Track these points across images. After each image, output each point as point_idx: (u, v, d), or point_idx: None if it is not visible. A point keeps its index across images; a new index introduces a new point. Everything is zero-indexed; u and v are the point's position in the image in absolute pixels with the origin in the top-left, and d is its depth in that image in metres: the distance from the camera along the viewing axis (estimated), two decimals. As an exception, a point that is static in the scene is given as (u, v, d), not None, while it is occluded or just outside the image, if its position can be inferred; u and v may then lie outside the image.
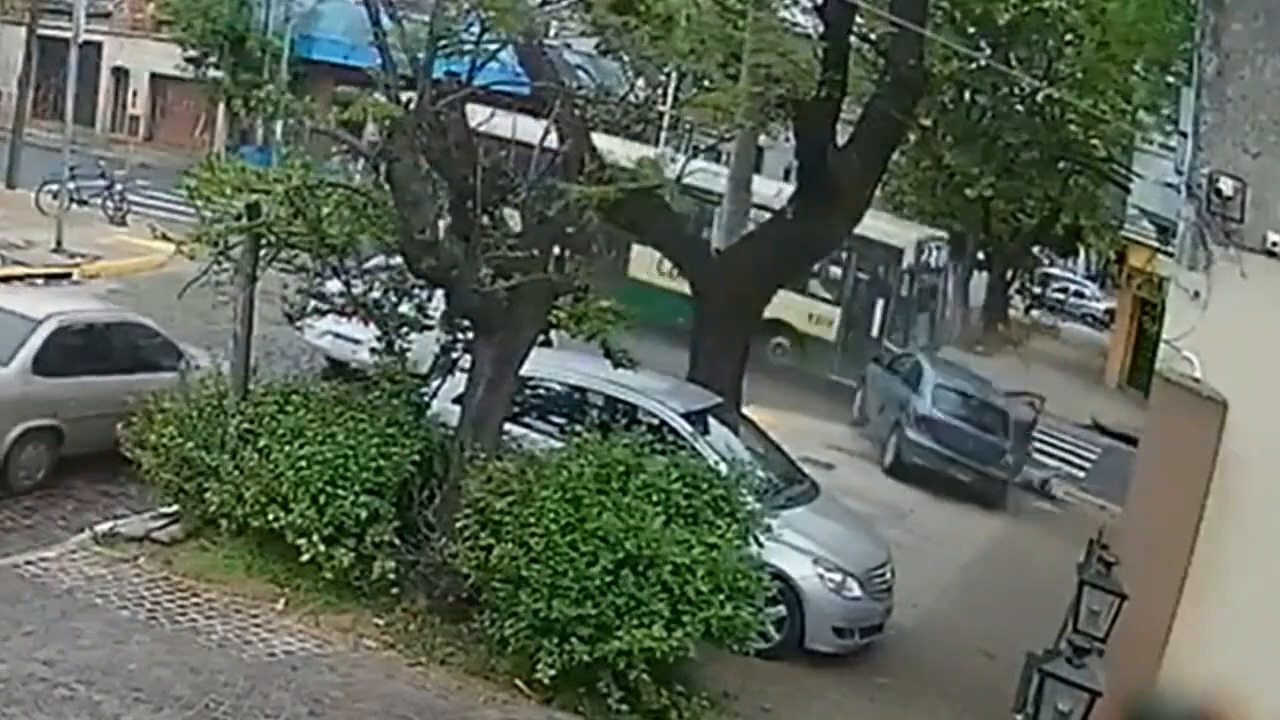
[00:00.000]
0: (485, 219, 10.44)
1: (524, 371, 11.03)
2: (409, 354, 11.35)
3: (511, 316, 10.45)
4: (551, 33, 12.64)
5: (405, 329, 11.34)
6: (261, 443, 10.36)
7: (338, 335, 15.40)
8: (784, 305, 23.79)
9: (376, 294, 11.37)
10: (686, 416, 12.25)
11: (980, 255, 36.60)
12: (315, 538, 9.92)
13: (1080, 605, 7.23)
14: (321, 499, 9.98)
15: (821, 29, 14.58)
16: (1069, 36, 27.87)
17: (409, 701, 8.99)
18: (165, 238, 11.37)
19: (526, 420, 11.88)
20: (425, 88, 9.94)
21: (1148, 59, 24.35)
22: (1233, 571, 8.10)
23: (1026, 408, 21.53)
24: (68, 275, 20.72)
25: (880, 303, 24.40)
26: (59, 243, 21.71)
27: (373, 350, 11.49)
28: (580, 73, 14.52)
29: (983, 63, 26.10)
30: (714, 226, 20.33)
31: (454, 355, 11.21)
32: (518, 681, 9.51)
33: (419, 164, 10.10)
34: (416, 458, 10.31)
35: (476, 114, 10.75)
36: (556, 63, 13.24)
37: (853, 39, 15.66)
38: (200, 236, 10.65)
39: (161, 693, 8.19)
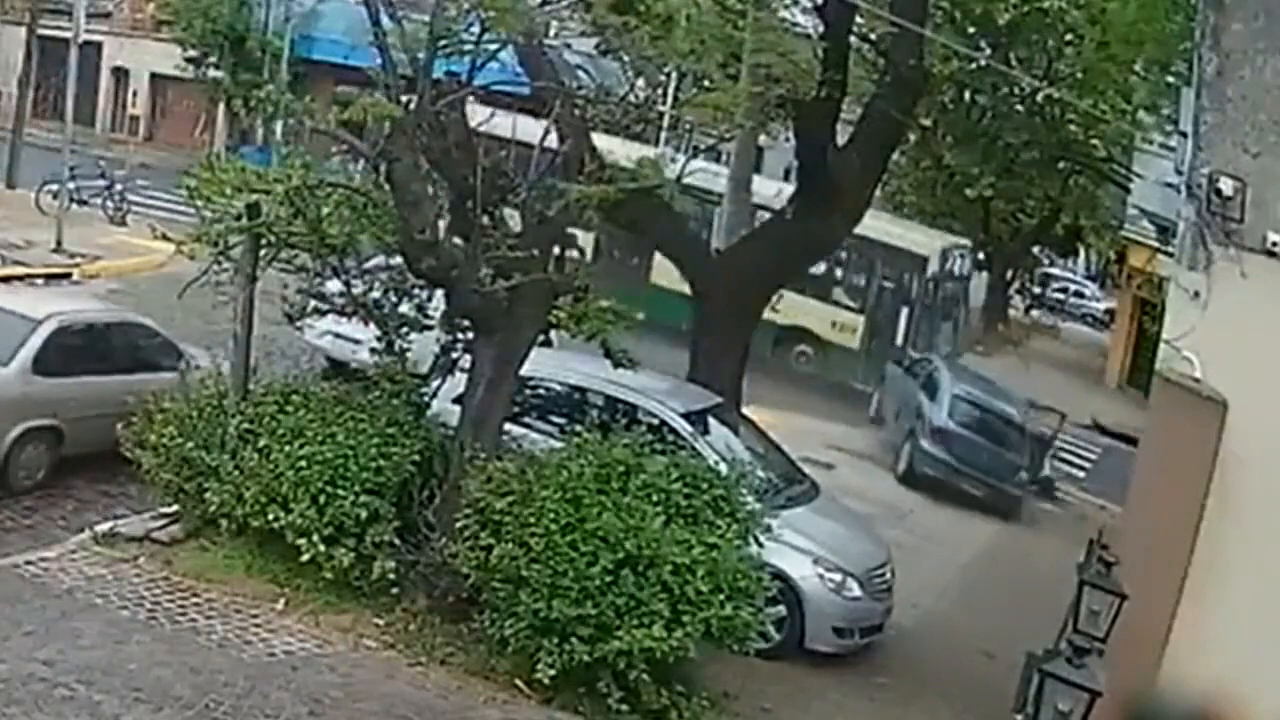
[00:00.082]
0: (485, 219, 10.44)
1: (524, 371, 11.03)
2: (409, 354, 11.35)
3: (511, 316, 10.45)
4: (551, 33, 12.65)
5: (405, 329, 11.34)
6: (261, 443, 10.37)
7: (338, 335, 15.40)
8: (808, 313, 23.96)
9: (376, 294, 11.38)
10: (686, 416, 12.25)
11: (980, 255, 36.59)
12: (315, 538, 9.93)
13: (1080, 605, 7.23)
14: (321, 499, 9.98)
15: (821, 29, 14.58)
16: (1069, 36, 27.88)
17: (409, 701, 8.99)
18: (165, 238, 11.36)
19: (526, 420, 11.88)
20: (425, 88, 9.94)
21: (1148, 59, 24.35)
22: (1233, 571, 8.10)
23: (1045, 421, 21.17)
24: (68, 275, 20.72)
25: (905, 311, 24.15)
26: (59, 243, 21.72)
27: (373, 350, 11.49)
28: (580, 73, 14.52)
29: (983, 63, 26.11)
30: (714, 226, 20.34)
31: (454, 355, 11.21)
32: (518, 681, 9.51)
33: (419, 164, 10.10)
34: (416, 458, 10.31)
35: (476, 114, 10.75)
36: (556, 63, 13.24)
37: (853, 39, 15.66)
38: (200, 236, 10.65)
39: (161, 693, 8.20)
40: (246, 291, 10.95)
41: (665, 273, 21.82)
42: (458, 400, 10.86)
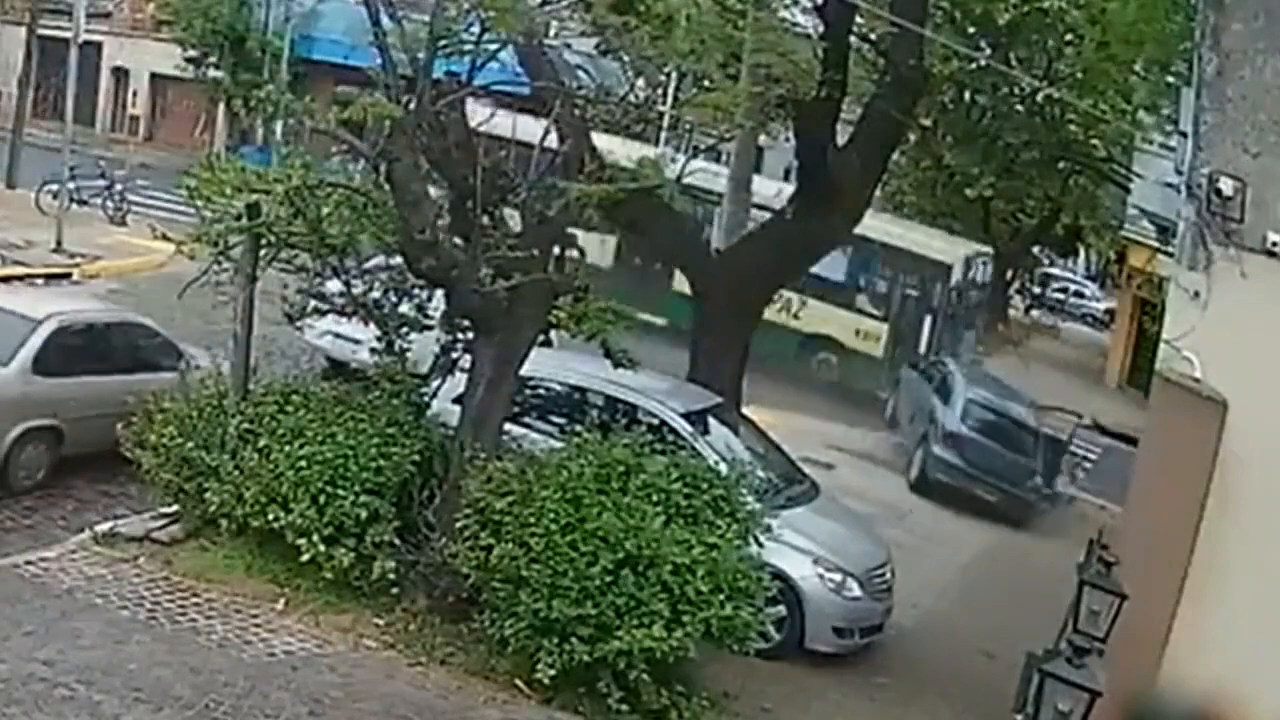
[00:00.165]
0: (485, 219, 10.44)
1: (524, 371, 11.03)
2: (409, 354, 11.35)
3: (511, 316, 10.45)
4: (551, 33, 12.64)
5: (405, 329, 11.34)
6: (261, 443, 10.37)
7: (338, 335, 15.40)
8: (831, 320, 23.97)
9: (376, 294, 11.38)
10: (686, 416, 12.26)
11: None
12: (315, 538, 9.93)
13: (1080, 605, 7.23)
14: (321, 499, 9.98)
15: (821, 29, 14.58)
16: (1069, 36, 27.88)
17: (409, 701, 8.99)
18: (165, 238, 11.36)
19: (526, 420, 11.88)
20: (425, 88, 9.94)
21: (1148, 59, 24.34)
22: (1233, 571, 8.10)
23: (1060, 424, 20.86)
24: (68, 275, 20.73)
25: (928, 319, 24.02)
26: (59, 243, 21.72)
27: (373, 350, 11.49)
28: (580, 73, 14.51)
29: (983, 63, 26.10)
30: (714, 226, 20.33)
31: (454, 355, 11.22)
32: (518, 681, 9.51)
33: (419, 164, 10.10)
34: (416, 458, 10.31)
35: (476, 114, 10.75)
36: (556, 63, 13.23)
37: (853, 39, 15.66)
38: (200, 236, 10.66)
39: (161, 693, 8.20)
40: (246, 291, 10.95)
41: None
42: (458, 400, 10.86)
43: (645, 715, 9.38)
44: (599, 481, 9.66)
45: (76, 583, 9.81)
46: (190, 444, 10.56)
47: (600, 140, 12.83)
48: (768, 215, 17.60)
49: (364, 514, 9.98)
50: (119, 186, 26.05)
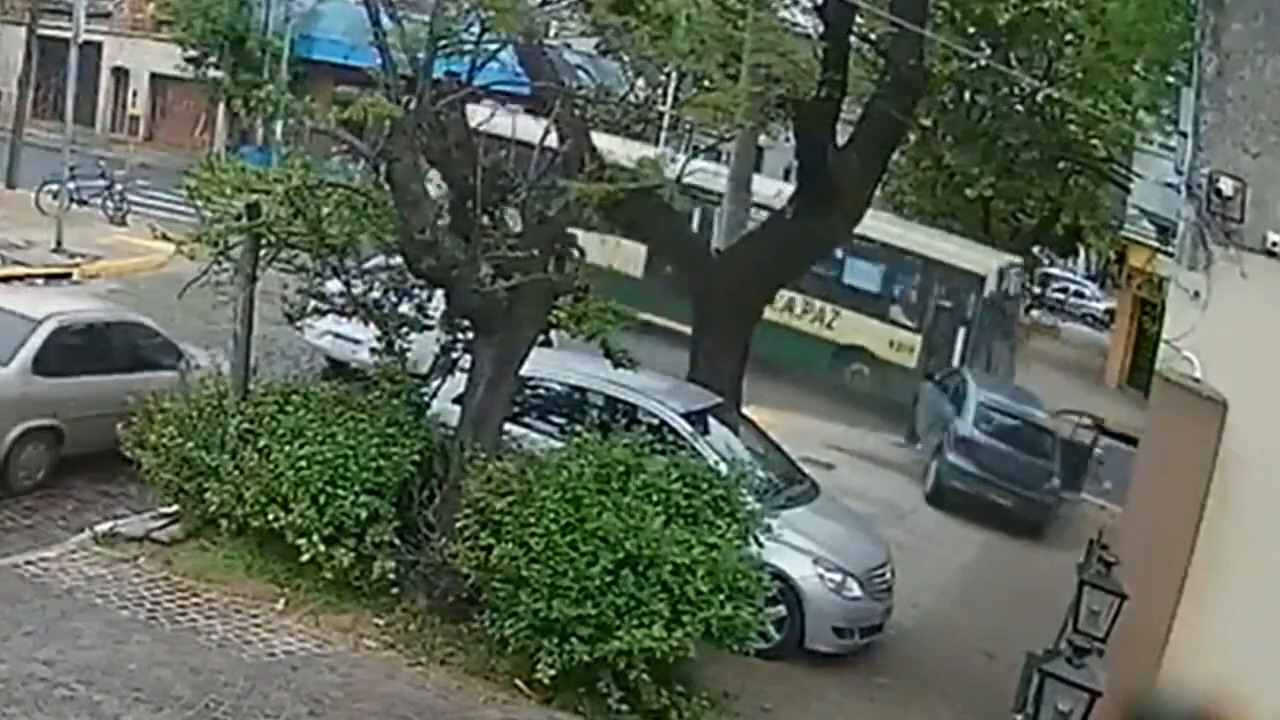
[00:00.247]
0: (485, 219, 10.44)
1: (524, 371, 11.03)
2: (409, 354, 11.35)
3: (511, 316, 10.45)
4: (551, 33, 12.64)
5: (405, 329, 11.34)
6: (261, 443, 10.37)
7: (338, 335, 15.40)
8: (864, 331, 23.97)
9: (376, 294, 11.38)
10: (686, 416, 12.25)
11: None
12: (315, 538, 9.93)
13: (1080, 605, 7.24)
14: (321, 499, 9.98)
15: (821, 29, 14.57)
16: (1069, 36, 27.83)
17: (409, 701, 8.99)
18: (165, 238, 11.37)
19: (526, 420, 11.88)
20: (425, 88, 9.94)
21: (1148, 59, 24.33)
22: (1233, 571, 8.10)
23: (1081, 429, 20.42)
24: (68, 275, 20.74)
25: (962, 330, 23.83)
26: (59, 243, 21.73)
27: (373, 350, 11.49)
28: (580, 73, 14.50)
29: (983, 63, 26.08)
30: (714, 226, 20.32)
31: (454, 355, 11.22)
32: (518, 681, 9.51)
33: (419, 164, 10.10)
34: (416, 458, 10.31)
35: (476, 114, 10.75)
36: (556, 63, 13.23)
37: (853, 39, 15.65)
38: (200, 236, 10.66)
39: (161, 693, 8.20)
40: (246, 291, 10.95)
41: None
42: (458, 400, 10.86)
43: (645, 715, 9.38)
44: (599, 481, 9.66)
45: (76, 583, 9.82)
46: (190, 444, 10.56)
47: (600, 140, 12.83)
48: (768, 215, 17.62)
49: (364, 514, 9.98)
50: (119, 186, 26.06)
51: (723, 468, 10.63)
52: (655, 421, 11.71)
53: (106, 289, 19.67)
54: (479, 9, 10.21)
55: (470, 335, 10.89)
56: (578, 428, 10.78)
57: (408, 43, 10.10)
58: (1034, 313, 44.76)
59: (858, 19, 16.10)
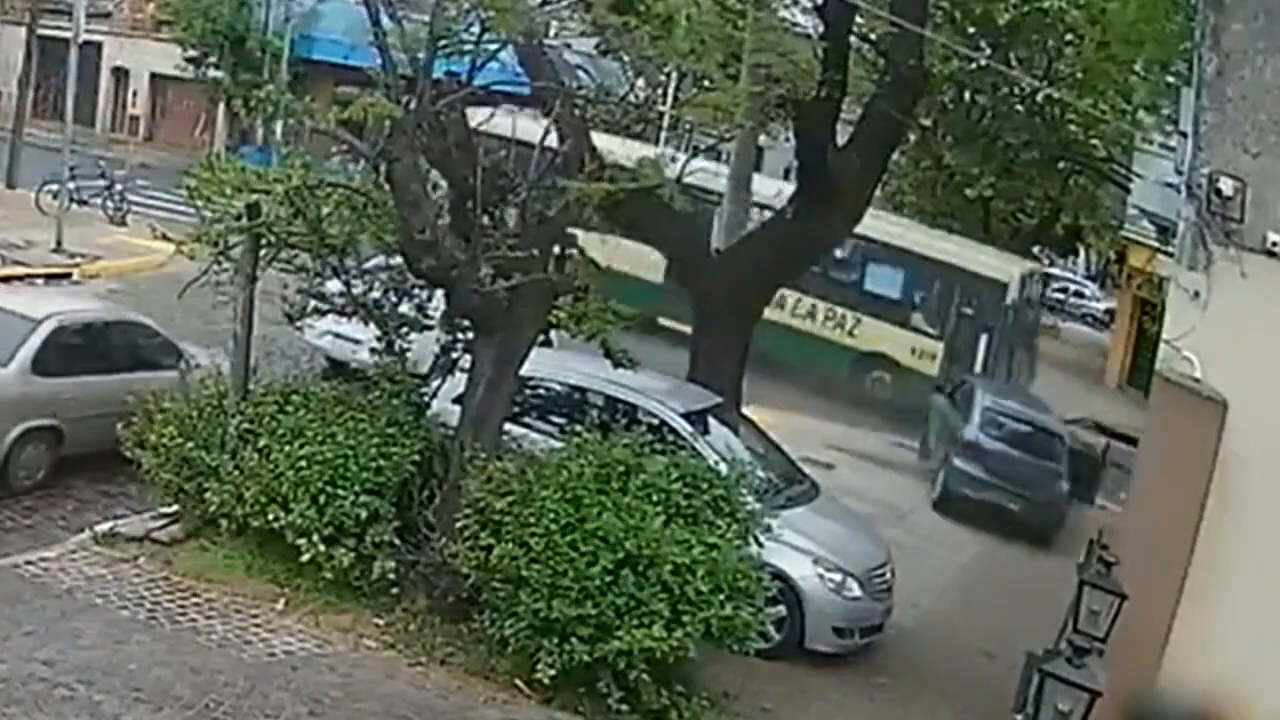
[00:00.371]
0: (485, 219, 10.44)
1: (524, 371, 11.03)
2: (409, 354, 11.34)
3: (511, 316, 10.45)
4: (551, 33, 12.64)
5: (405, 329, 11.34)
6: (261, 443, 10.37)
7: (338, 335, 15.40)
8: (885, 338, 23.96)
9: (376, 294, 11.38)
10: (686, 416, 12.25)
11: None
12: (315, 538, 9.93)
13: (1080, 605, 7.24)
14: (321, 499, 9.98)
15: (821, 29, 14.57)
16: (1069, 36, 27.82)
17: (409, 701, 8.99)
18: (165, 238, 11.37)
19: (526, 420, 11.88)
20: (425, 88, 9.94)
21: (1148, 59, 24.30)
22: (1233, 571, 8.10)
23: (1091, 436, 20.18)
24: (68, 275, 20.73)
25: (984, 337, 23.70)
26: (59, 243, 21.73)
27: (373, 350, 11.49)
28: (580, 73, 14.50)
29: (983, 63, 26.07)
30: (714, 226, 20.32)
31: (454, 355, 11.22)
32: (518, 681, 9.51)
33: (419, 164, 10.10)
34: (416, 458, 10.31)
35: (476, 114, 10.75)
36: (556, 63, 13.23)
37: (853, 39, 15.65)
38: (200, 236, 10.66)
39: (161, 693, 8.20)
40: (246, 291, 10.95)
41: None
42: (458, 400, 10.86)
43: (645, 715, 9.38)
44: (599, 481, 9.66)
45: (76, 583, 9.82)
46: (190, 444, 10.56)
47: (600, 140, 12.83)
48: (768, 214, 17.61)
49: (364, 514, 9.98)
50: (119, 186, 26.06)
51: (723, 468, 10.63)
52: (655, 421, 11.71)
53: (106, 289, 19.67)
54: (479, 9, 10.21)
55: (470, 335, 10.89)
56: (578, 428, 10.78)
57: (408, 43, 10.10)
58: (1034, 313, 44.80)
59: (858, 19, 16.09)
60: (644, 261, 18.09)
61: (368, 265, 11.55)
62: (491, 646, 9.65)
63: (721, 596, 9.28)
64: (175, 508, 10.88)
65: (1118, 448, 20.18)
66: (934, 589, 14.56)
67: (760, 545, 10.08)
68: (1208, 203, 8.36)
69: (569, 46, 13.43)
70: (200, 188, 10.62)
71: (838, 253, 23.98)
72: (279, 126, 22.03)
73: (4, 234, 21.47)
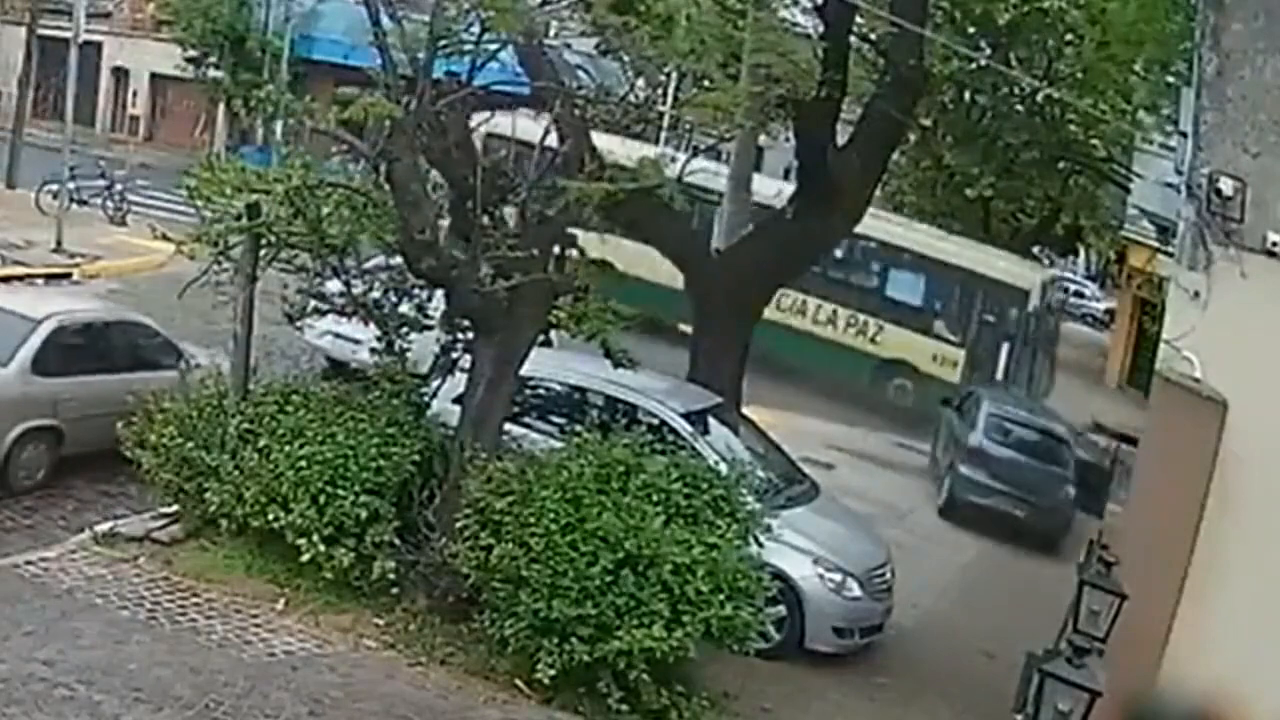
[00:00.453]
0: (485, 219, 10.44)
1: (524, 371, 11.03)
2: (409, 354, 11.35)
3: (511, 316, 10.45)
4: (551, 33, 12.63)
5: (405, 329, 11.34)
6: (261, 443, 10.37)
7: (338, 335, 15.41)
8: (907, 345, 23.95)
9: (376, 294, 11.38)
10: (686, 416, 12.25)
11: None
12: (315, 538, 9.93)
13: (1080, 605, 7.24)
14: (321, 499, 9.98)
15: (821, 29, 14.57)
16: (1069, 36, 27.83)
17: (409, 701, 8.99)
18: (165, 238, 11.36)
19: (526, 420, 11.88)
20: (425, 88, 9.94)
21: (1148, 59, 24.32)
22: (1233, 571, 8.10)
23: (1099, 443, 20.04)
24: (68, 275, 20.74)
25: (1005, 345, 23.66)
26: (59, 243, 21.73)
27: (373, 350, 11.49)
28: (580, 73, 14.50)
29: (983, 63, 26.07)
30: (714, 226, 20.30)
31: (454, 355, 11.22)
32: (518, 681, 9.51)
33: (419, 164, 10.10)
34: (416, 458, 10.31)
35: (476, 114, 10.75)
36: (556, 63, 13.23)
37: (853, 39, 15.65)
38: (200, 236, 10.66)
39: (161, 693, 8.20)
40: (246, 291, 10.95)
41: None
42: (458, 400, 10.86)
43: (645, 715, 9.38)
44: (599, 481, 9.66)
45: (76, 583, 9.82)
46: (190, 444, 10.56)
47: (600, 140, 12.83)
48: (768, 214, 17.57)
49: (364, 514, 9.98)
50: (119, 186, 26.06)
51: (723, 468, 10.63)
52: (655, 421, 11.71)
53: (106, 289, 19.67)
54: (479, 9, 10.20)
55: (470, 335, 10.89)
56: (578, 428, 10.78)
57: (408, 43, 10.10)
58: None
59: (858, 19, 16.09)
60: (665, 268, 18.00)
61: (368, 265, 11.55)
62: (491, 646, 9.65)
63: (721, 596, 9.27)
64: (175, 508, 10.88)
65: (1127, 451, 19.75)
66: (934, 589, 14.56)
67: (760, 545, 10.08)
68: (1208, 203, 8.36)
69: (569, 46, 13.43)
70: (200, 188, 10.62)
71: (859, 259, 24.11)
72: (279, 126, 21.99)
73: (4, 234, 21.48)
